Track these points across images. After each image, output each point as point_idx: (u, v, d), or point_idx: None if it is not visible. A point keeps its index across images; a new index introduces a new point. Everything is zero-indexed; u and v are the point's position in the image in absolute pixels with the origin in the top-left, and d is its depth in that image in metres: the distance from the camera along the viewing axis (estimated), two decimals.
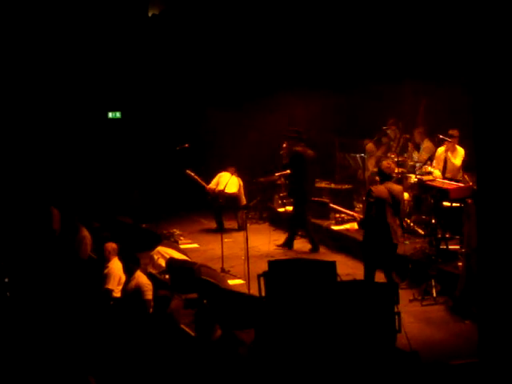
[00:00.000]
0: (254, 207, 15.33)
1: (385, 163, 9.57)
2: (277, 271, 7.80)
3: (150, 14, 17.44)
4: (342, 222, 12.89)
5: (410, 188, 11.82)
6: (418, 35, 12.85)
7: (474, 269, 8.34)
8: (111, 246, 9.87)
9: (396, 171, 11.91)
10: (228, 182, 14.36)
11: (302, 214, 12.47)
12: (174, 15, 17.34)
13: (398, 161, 12.22)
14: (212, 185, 14.49)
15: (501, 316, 5.61)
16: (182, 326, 8.32)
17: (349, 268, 10.74)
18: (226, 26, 16.31)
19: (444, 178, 11.27)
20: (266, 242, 12.81)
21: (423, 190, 11.18)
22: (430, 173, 11.36)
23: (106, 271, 9.74)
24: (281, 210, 14.55)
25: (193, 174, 14.56)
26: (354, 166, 14.25)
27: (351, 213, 10.59)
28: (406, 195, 11.87)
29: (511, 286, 5.62)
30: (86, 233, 11.56)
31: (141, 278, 9.03)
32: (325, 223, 13.11)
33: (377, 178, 9.90)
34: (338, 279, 7.76)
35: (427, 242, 10.60)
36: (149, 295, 8.88)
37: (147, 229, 13.72)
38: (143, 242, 12.22)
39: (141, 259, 9.63)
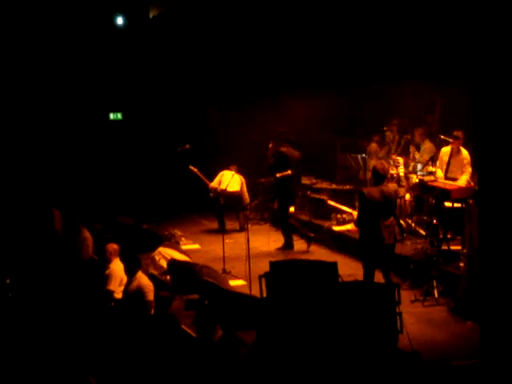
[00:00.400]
0: (256, 208, 15.32)
1: (378, 164, 9.58)
2: (278, 272, 7.81)
3: (150, 16, 17.44)
4: (344, 222, 12.87)
5: (411, 188, 11.81)
6: (418, 35, 12.85)
7: (476, 269, 8.34)
8: (112, 247, 9.86)
9: (393, 172, 11.97)
10: (230, 181, 14.34)
11: (284, 213, 12.51)
12: (175, 16, 17.34)
13: (394, 161, 12.23)
14: (214, 183, 14.46)
15: (503, 317, 5.60)
16: (184, 326, 8.29)
17: (350, 269, 10.68)
18: (226, 27, 16.31)
19: (446, 178, 11.27)
20: (266, 242, 12.79)
21: (424, 190, 11.18)
22: (431, 173, 11.34)
23: (107, 272, 9.74)
24: None
25: (196, 170, 14.55)
26: (355, 166, 14.25)
27: (349, 210, 10.58)
28: (407, 196, 11.89)
29: None
30: (87, 234, 11.56)
31: (142, 278, 9.03)
32: (326, 224, 13.08)
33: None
34: (340, 280, 7.77)
35: (428, 242, 10.57)
36: (150, 296, 8.87)
37: (148, 230, 13.69)
38: (144, 243, 12.20)
39: (142, 260, 9.65)
